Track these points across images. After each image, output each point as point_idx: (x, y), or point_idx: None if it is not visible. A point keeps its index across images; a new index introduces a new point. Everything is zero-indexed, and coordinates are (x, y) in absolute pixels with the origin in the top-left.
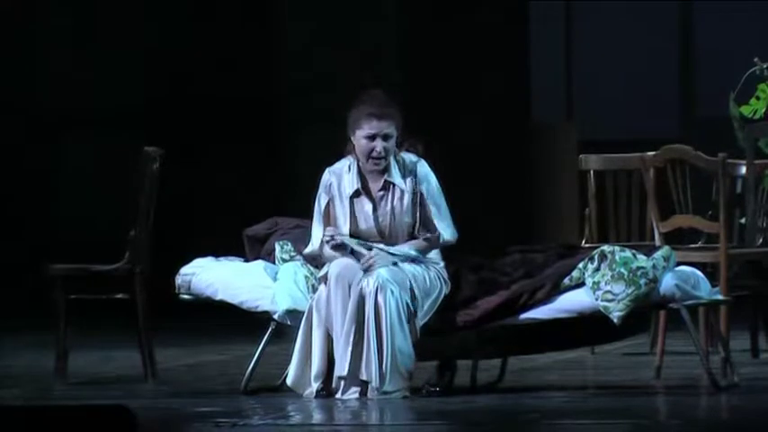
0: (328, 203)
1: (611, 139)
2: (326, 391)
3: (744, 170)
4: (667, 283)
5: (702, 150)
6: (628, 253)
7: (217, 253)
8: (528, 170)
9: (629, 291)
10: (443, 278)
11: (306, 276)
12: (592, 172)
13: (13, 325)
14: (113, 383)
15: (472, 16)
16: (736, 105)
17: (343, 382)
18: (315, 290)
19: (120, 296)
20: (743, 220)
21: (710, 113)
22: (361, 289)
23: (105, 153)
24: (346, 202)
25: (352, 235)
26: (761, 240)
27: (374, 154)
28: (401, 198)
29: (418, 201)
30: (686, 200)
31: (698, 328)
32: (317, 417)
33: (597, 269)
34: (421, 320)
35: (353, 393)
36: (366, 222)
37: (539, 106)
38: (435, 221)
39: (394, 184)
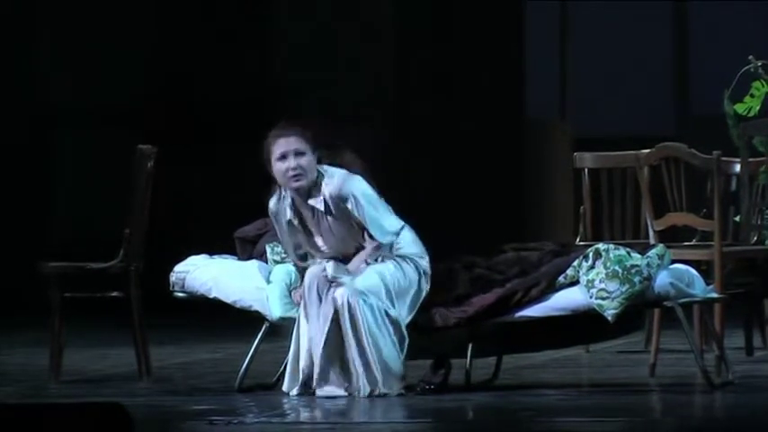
0: (280, 229)
1: (606, 136)
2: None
3: (738, 168)
4: (662, 281)
5: (697, 148)
6: (622, 251)
7: (211, 252)
8: (522, 168)
9: (624, 289)
10: (422, 272)
11: (295, 286)
12: (586, 170)
13: (7, 323)
14: (108, 381)
15: (468, 16)
16: (730, 103)
17: (317, 383)
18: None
19: (114, 294)
20: (737, 218)
21: (705, 111)
22: (334, 301)
23: (100, 151)
24: (287, 232)
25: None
26: (755, 238)
27: (290, 173)
28: (331, 220)
29: (347, 215)
30: (681, 198)
31: (692, 326)
32: (312, 415)
33: (592, 267)
34: (405, 319)
35: (330, 392)
36: (310, 246)
37: (533, 104)
38: (369, 229)
39: (319, 210)
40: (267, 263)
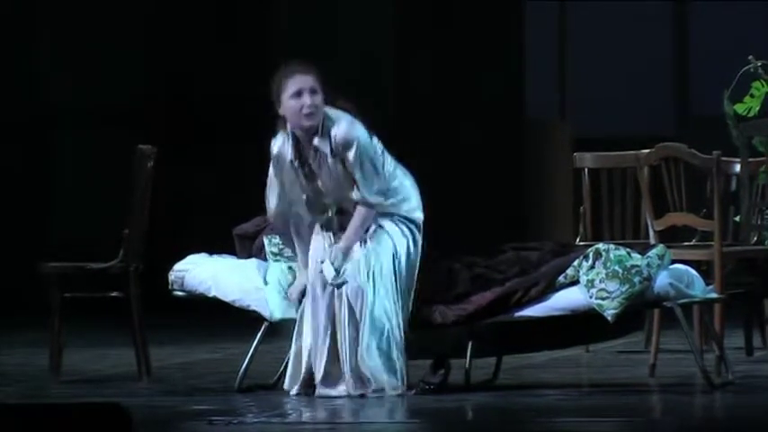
0: (279, 174)
1: (606, 136)
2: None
3: (738, 168)
4: (662, 281)
5: (697, 148)
6: (622, 251)
7: (211, 251)
8: (522, 168)
9: (624, 289)
10: (414, 232)
11: (290, 285)
12: (586, 170)
13: (7, 323)
14: (108, 381)
15: (468, 16)
16: (730, 103)
17: (320, 382)
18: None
19: (114, 294)
20: (737, 218)
21: (705, 111)
22: (336, 299)
23: (100, 151)
24: (291, 174)
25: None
26: (755, 238)
27: (305, 110)
28: (330, 162)
29: (343, 163)
30: (680, 198)
31: (692, 327)
32: (312, 415)
33: (592, 267)
34: (410, 294)
35: (331, 392)
36: (310, 189)
37: (533, 104)
38: (359, 184)
39: (322, 150)
40: (266, 257)
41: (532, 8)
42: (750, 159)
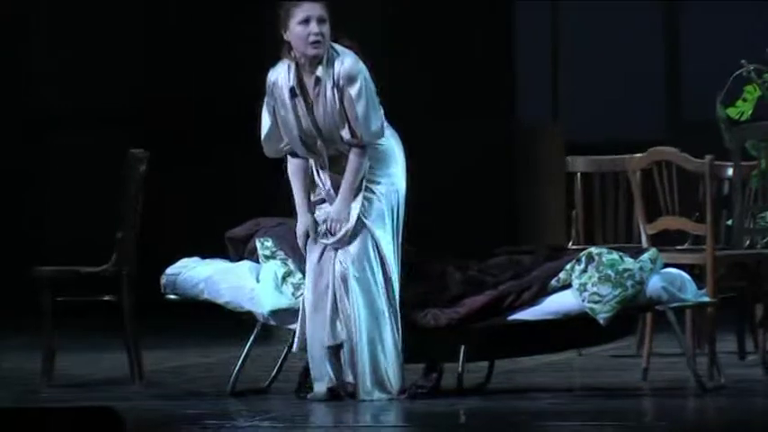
0: (274, 105)
1: (598, 140)
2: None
3: (730, 172)
4: (654, 285)
5: (689, 152)
6: (615, 255)
7: (203, 254)
8: (515, 172)
9: (616, 293)
10: (397, 192)
11: (285, 275)
12: (579, 174)
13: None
14: (100, 385)
15: (459, 17)
16: (722, 107)
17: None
18: (295, 288)
19: (107, 298)
20: (729, 222)
21: (697, 115)
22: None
23: (93, 154)
24: (288, 102)
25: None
26: (748, 242)
27: (311, 38)
28: (330, 95)
29: (342, 98)
30: (673, 202)
31: (684, 330)
32: (304, 418)
33: (584, 271)
34: (398, 247)
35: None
36: (305, 121)
37: (525, 108)
38: (357, 119)
39: (324, 81)
40: (259, 260)
41: (524, 12)
42: (742, 163)
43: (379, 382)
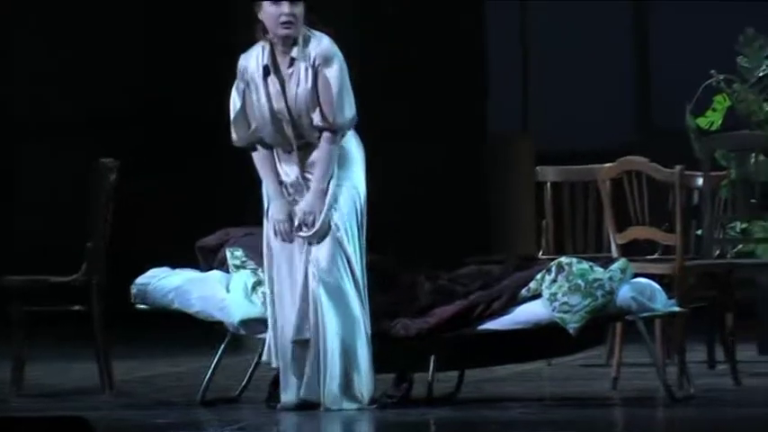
0: (244, 89)
1: (568, 150)
2: None
3: (700, 182)
4: (624, 294)
5: (659, 162)
6: (585, 265)
7: (173, 264)
8: (485, 181)
9: (586, 302)
10: (358, 194)
11: (255, 285)
12: (548, 183)
13: None
14: (71, 395)
15: (429, 30)
16: (692, 117)
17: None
18: (265, 297)
19: (76, 308)
20: (699, 232)
21: (667, 125)
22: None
23: (62, 163)
24: (260, 83)
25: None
26: (717, 252)
27: (282, 18)
28: (305, 75)
29: (316, 79)
30: (643, 211)
31: (654, 340)
32: (273, 429)
33: (554, 281)
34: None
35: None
36: (277, 102)
37: (495, 118)
38: (331, 102)
39: (299, 61)
40: (228, 270)
41: (494, 21)
42: (712, 173)
43: (350, 392)
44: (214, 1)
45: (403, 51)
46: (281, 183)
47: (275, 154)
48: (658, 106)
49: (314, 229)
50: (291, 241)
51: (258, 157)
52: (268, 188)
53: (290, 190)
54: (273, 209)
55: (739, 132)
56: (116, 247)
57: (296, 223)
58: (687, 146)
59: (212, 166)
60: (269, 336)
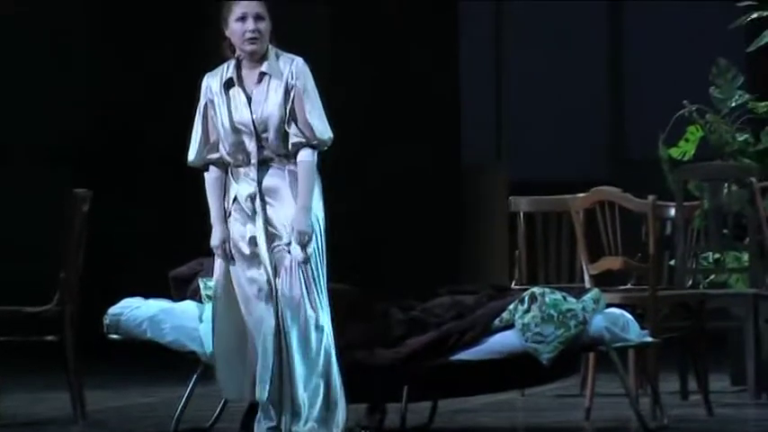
0: (206, 106)
1: (541, 179)
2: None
3: (673, 212)
4: (597, 325)
5: (632, 192)
6: (558, 295)
7: (146, 294)
8: (459, 211)
9: (559, 333)
10: (319, 219)
11: None
12: (521, 214)
13: None
14: (43, 425)
15: (401, 56)
16: (665, 147)
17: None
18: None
19: (49, 338)
20: (672, 262)
21: (640, 155)
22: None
23: (36, 191)
24: (222, 96)
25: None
26: (690, 282)
27: (247, 35)
28: (276, 90)
29: (291, 95)
30: (616, 242)
31: (627, 370)
32: None
33: (527, 311)
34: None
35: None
36: (240, 114)
37: (469, 148)
38: (308, 118)
39: (270, 76)
40: (201, 300)
41: (468, 49)
42: (685, 204)
43: (325, 421)
44: (188, 34)
45: (379, 82)
46: (235, 199)
47: (230, 174)
48: (631, 137)
49: (309, 250)
50: (234, 263)
51: (209, 178)
52: (212, 211)
53: (242, 206)
54: (213, 233)
55: (712, 163)
56: (89, 278)
57: (292, 244)
58: (660, 177)
59: (185, 195)
60: (236, 373)
